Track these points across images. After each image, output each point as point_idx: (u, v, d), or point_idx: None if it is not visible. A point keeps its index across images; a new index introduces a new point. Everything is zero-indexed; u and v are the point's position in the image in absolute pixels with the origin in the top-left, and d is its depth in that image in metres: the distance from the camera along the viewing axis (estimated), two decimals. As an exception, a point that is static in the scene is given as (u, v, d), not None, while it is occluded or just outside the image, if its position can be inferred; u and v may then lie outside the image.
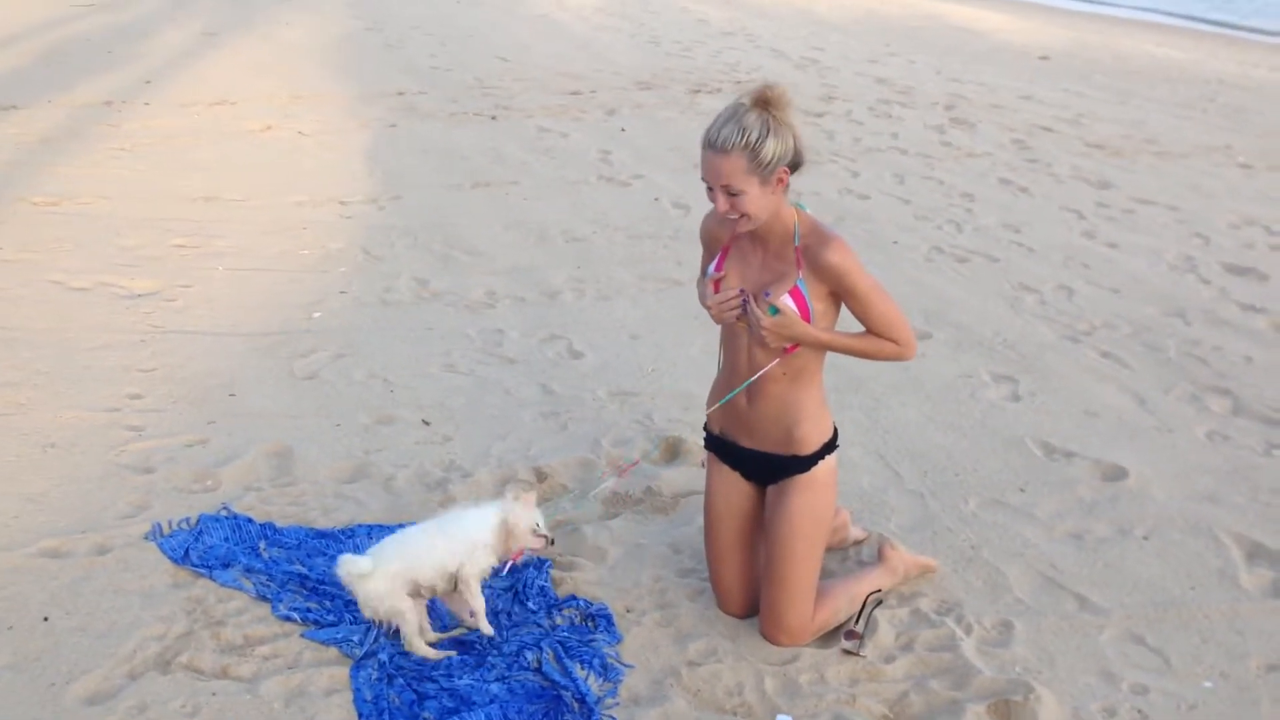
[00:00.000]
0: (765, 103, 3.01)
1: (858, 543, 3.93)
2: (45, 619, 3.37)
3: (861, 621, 3.46)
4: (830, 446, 3.40)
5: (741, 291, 3.23)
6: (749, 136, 2.97)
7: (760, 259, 3.25)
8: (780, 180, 3.05)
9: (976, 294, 6.30)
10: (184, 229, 6.86)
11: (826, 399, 3.44)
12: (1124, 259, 6.90)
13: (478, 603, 3.28)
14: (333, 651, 3.29)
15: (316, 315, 5.75)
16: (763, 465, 3.43)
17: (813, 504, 3.36)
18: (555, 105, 10.65)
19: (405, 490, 4.20)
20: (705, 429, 3.58)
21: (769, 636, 3.40)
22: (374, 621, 3.28)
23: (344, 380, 5.06)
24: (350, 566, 3.19)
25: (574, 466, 4.40)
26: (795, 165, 3.08)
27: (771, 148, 2.99)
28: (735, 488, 3.50)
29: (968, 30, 16.84)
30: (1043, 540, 3.97)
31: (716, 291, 3.28)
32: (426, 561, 3.23)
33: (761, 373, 3.29)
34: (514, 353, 5.42)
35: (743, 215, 3.08)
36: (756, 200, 3.05)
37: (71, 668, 3.18)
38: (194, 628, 3.36)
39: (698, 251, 3.49)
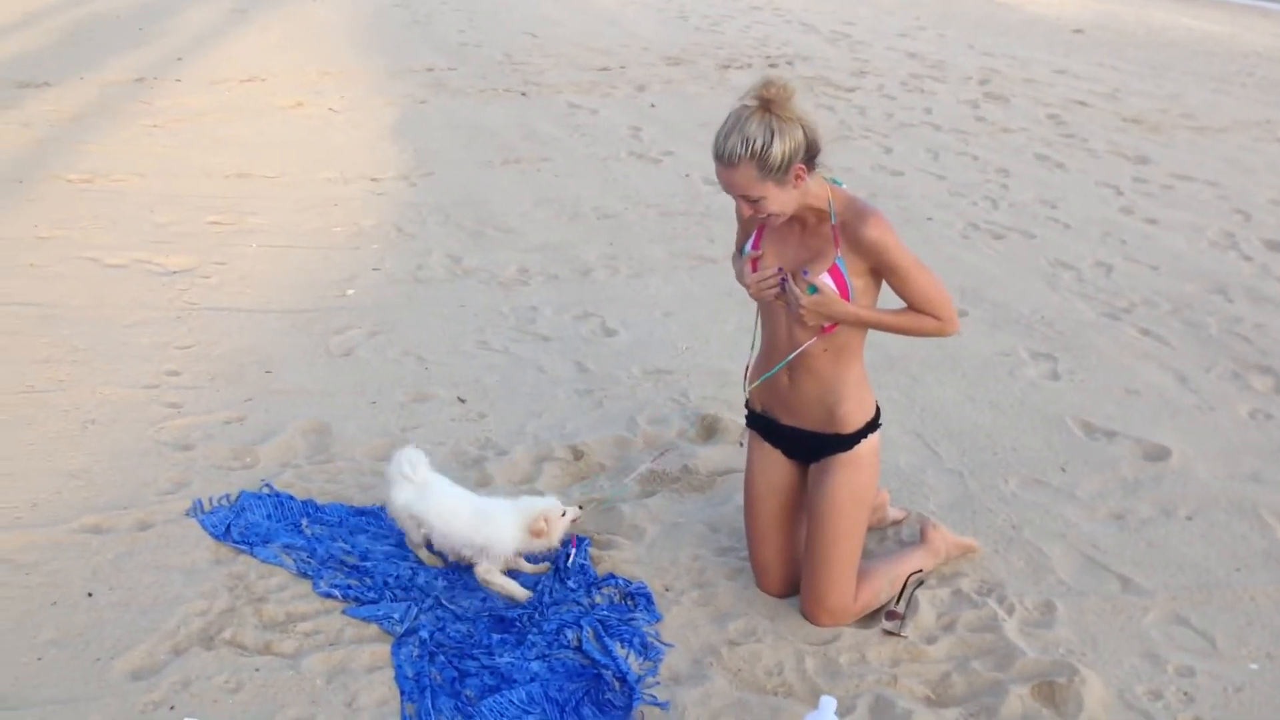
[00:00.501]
0: (766, 104, 2.91)
1: (896, 523, 3.91)
2: (89, 594, 3.39)
3: (902, 602, 3.44)
4: (873, 425, 3.37)
5: (780, 270, 3.20)
6: (754, 145, 2.90)
7: (798, 237, 3.21)
8: (799, 176, 2.99)
9: (1013, 271, 6.24)
10: (217, 206, 6.87)
11: (867, 376, 3.41)
12: (1163, 235, 6.82)
13: (502, 585, 3.46)
14: (373, 629, 3.30)
15: (350, 292, 5.75)
16: (804, 443, 3.40)
17: (854, 482, 3.33)
18: (585, 81, 10.59)
19: (442, 468, 4.15)
20: (746, 406, 3.55)
21: (810, 616, 3.38)
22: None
23: (379, 357, 5.06)
24: (409, 463, 3.51)
25: (610, 445, 4.39)
26: (812, 155, 3.00)
27: (779, 151, 2.91)
28: (776, 466, 3.47)
29: (998, 3, 16.65)
30: (1084, 520, 3.94)
31: (754, 270, 3.25)
32: (451, 527, 3.48)
33: (801, 349, 3.26)
34: (548, 330, 5.41)
35: (769, 215, 3.05)
36: (778, 200, 3.01)
37: (115, 643, 3.19)
38: (236, 604, 3.38)
39: (729, 228, 3.45)
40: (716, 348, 5.23)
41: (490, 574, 3.46)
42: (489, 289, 5.88)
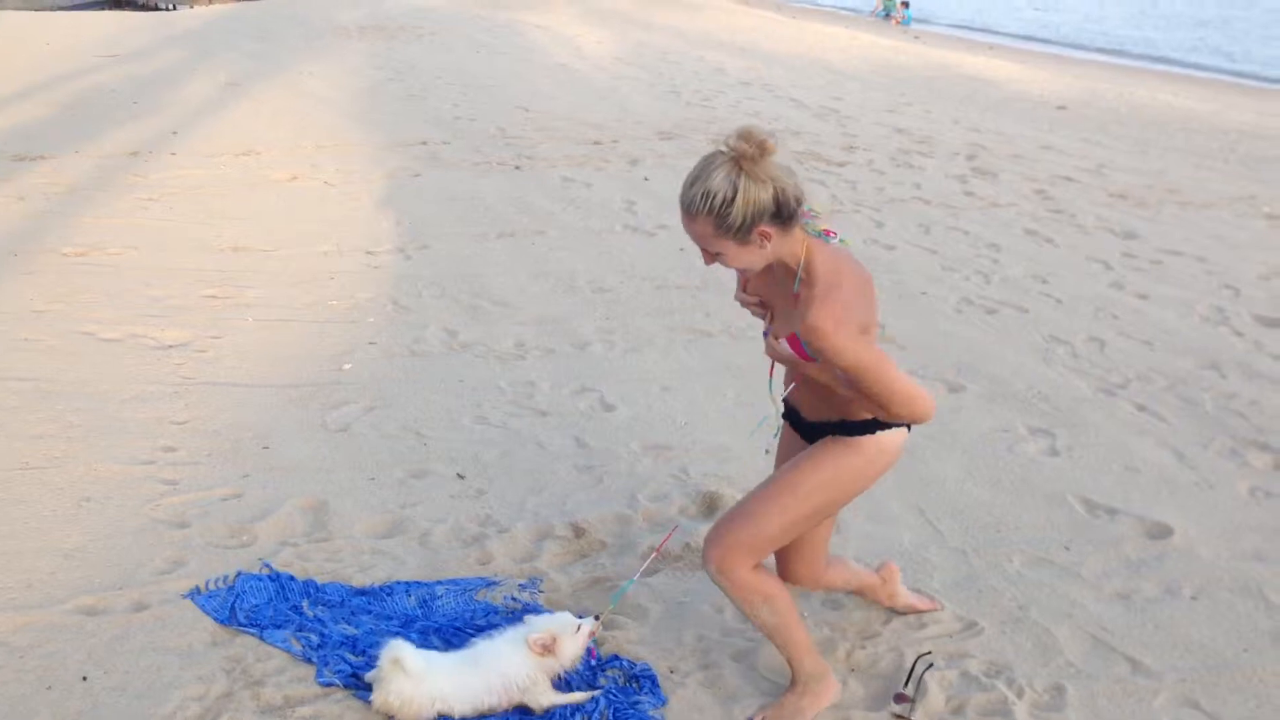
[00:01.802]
0: (738, 158, 2.74)
1: (911, 609, 3.81)
2: (84, 678, 3.33)
3: (911, 684, 3.40)
4: (885, 425, 3.08)
5: (760, 302, 3.11)
6: (713, 201, 2.75)
7: (778, 283, 3.05)
8: (764, 236, 2.80)
9: (1008, 346, 6.27)
10: (213, 279, 6.88)
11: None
12: (1154, 310, 6.87)
13: (565, 700, 3.31)
14: (372, 717, 3.24)
15: (347, 366, 5.74)
16: (821, 433, 3.20)
17: (839, 456, 3.10)
18: (578, 155, 10.69)
19: (442, 546, 4.17)
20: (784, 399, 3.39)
21: (705, 549, 3.18)
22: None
23: (376, 433, 5.04)
24: (399, 656, 3.16)
25: (611, 522, 4.36)
26: (784, 216, 2.81)
27: (740, 210, 2.74)
28: (797, 445, 3.30)
29: (981, 80, 16.92)
30: (1091, 600, 3.91)
31: (744, 288, 3.15)
32: (469, 691, 3.22)
33: (788, 390, 3.24)
34: (546, 405, 5.40)
35: (735, 269, 2.95)
36: (738, 257, 2.86)
37: (112, 729, 3.13)
38: (234, 688, 3.32)
39: (725, 301, 3.42)
40: (715, 423, 5.22)
41: (545, 700, 3.26)
42: (486, 363, 5.87)
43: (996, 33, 27.18)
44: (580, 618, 3.38)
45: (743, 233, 2.79)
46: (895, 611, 3.81)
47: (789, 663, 3.32)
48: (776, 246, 2.86)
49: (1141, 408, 5.51)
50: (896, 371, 2.90)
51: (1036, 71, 18.30)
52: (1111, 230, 8.64)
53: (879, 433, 3.07)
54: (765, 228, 2.80)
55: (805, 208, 2.88)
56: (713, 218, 2.78)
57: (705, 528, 4.28)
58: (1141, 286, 7.32)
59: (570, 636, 3.30)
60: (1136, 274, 7.59)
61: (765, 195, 2.76)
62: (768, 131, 2.77)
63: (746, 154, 2.74)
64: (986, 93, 15.65)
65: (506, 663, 3.26)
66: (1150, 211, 9.24)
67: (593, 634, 3.38)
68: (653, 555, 3.80)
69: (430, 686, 3.15)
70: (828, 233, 2.94)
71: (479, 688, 3.20)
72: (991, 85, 16.40)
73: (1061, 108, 14.47)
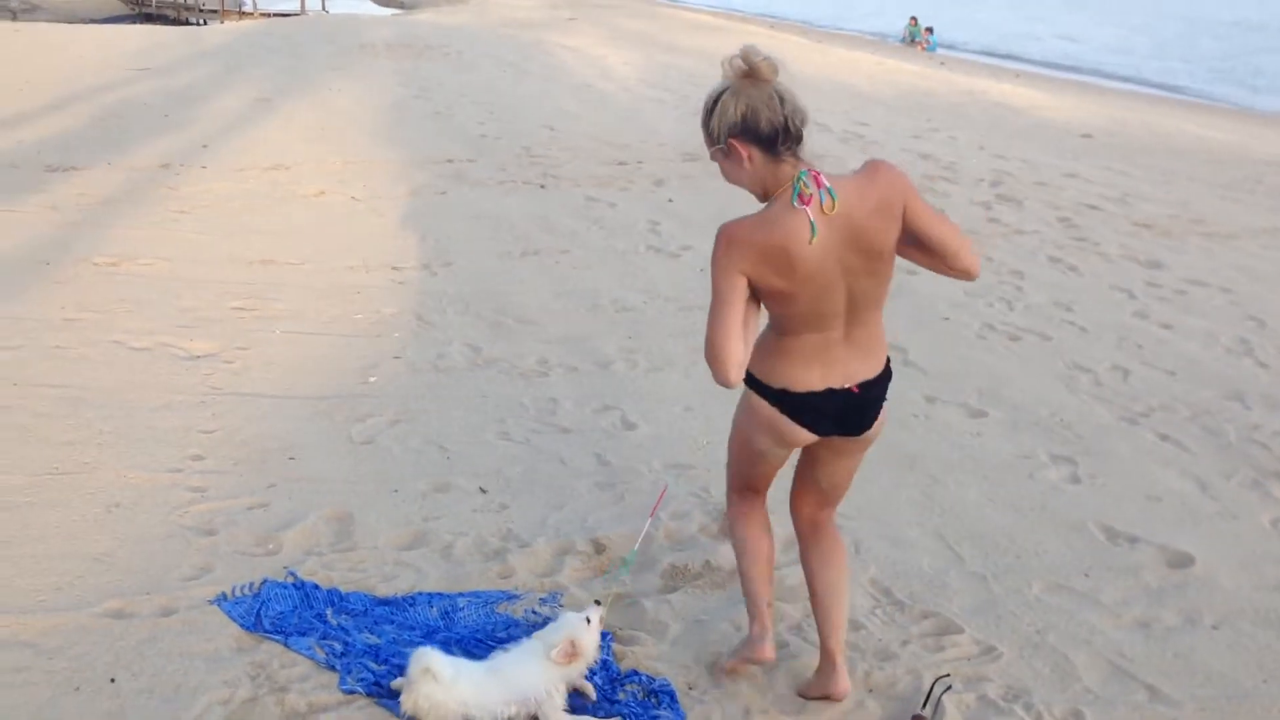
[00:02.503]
0: (737, 72, 2.94)
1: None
2: (112, 680, 3.38)
3: (929, 707, 3.41)
4: (751, 380, 3.24)
5: None
6: (703, 107, 3.02)
7: None
8: (743, 154, 2.96)
9: (1031, 373, 6.28)
10: (241, 291, 6.96)
11: (784, 353, 3.17)
12: (1178, 340, 6.87)
13: None
14: (396, 722, 3.28)
15: (372, 380, 5.80)
16: None
17: (740, 402, 3.39)
18: (603, 175, 10.77)
19: (464, 559, 4.21)
20: None
21: None
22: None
23: (401, 446, 5.09)
24: (430, 664, 3.20)
25: (631, 539, 4.36)
26: (758, 139, 2.94)
27: (715, 120, 2.97)
28: None
29: (1007, 107, 16.95)
30: (1110, 627, 3.92)
31: None
32: (489, 700, 3.26)
33: None
34: (568, 422, 5.44)
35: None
36: (725, 171, 3.08)
37: (138, 732, 3.18)
38: (258, 693, 3.36)
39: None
40: (737, 443, 5.24)
41: (556, 716, 3.30)
42: (509, 380, 5.92)
43: (1021, 59, 27.22)
44: (582, 612, 3.45)
45: (719, 143, 3.00)
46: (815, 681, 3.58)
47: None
48: (762, 172, 3.01)
49: (1164, 437, 5.51)
50: (725, 324, 2.99)
51: (1062, 99, 18.32)
52: (1136, 259, 8.64)
53: (748, 387, 3.27)
54: (742, 146, 2.97)
55: (795, 149, 2.98)
56: (701, 124, 3.04)
57: (725, 548, 4.31)
58: (1166, 316, 7.32)
59: (585, 631, 3.36)
60: (1161, 303, 7.59)
61: (735, 112, 2.94)
62: (765, 55, 2.94)
63: (739, 71, 2.94)
64: (1011, 120, 15.67)
65: (525, 674, 3.31)
66: (1175, 241, 9.24)
67: (602, 619, 3.44)
68: (649, 519, 3.90)
69: (458, 693, 3.20)
70: (804, 200, 2.97)
71: (500, 699, 3.24)
72: (1016, 112, 16.42)
73: (1086, 136, 14.48)
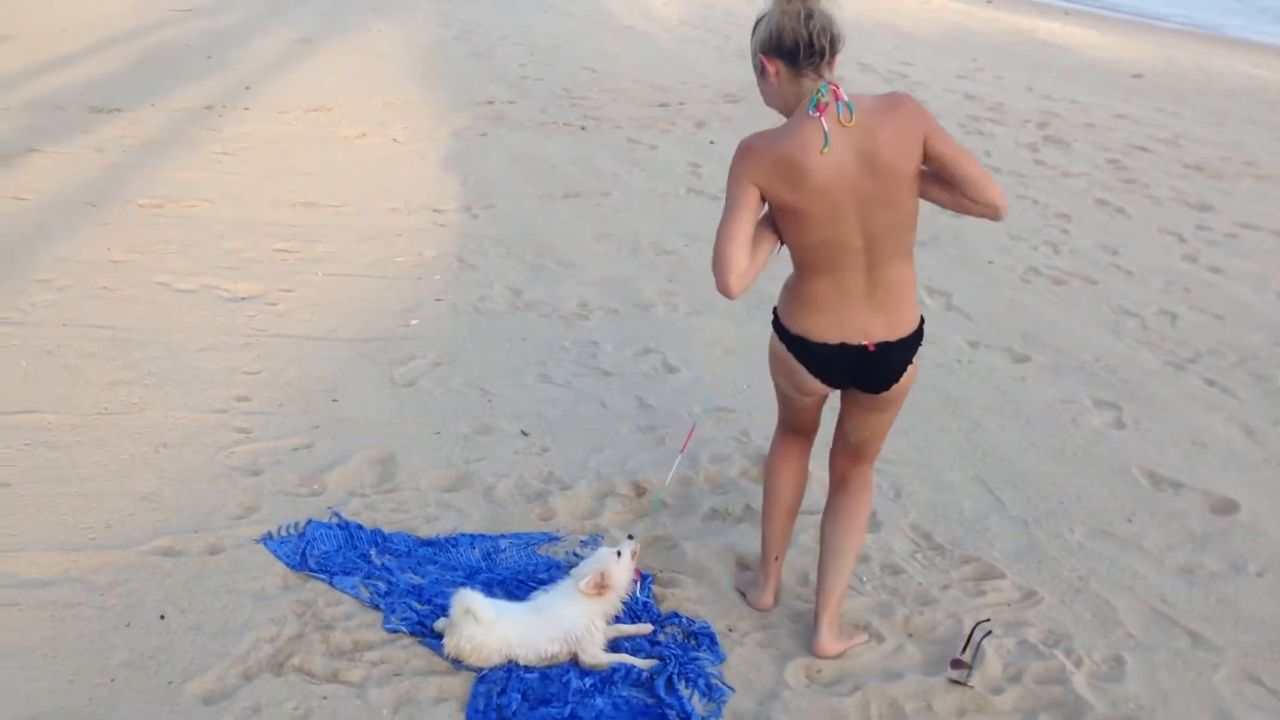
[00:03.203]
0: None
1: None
2: (161, 617, 3.45)
3: (969, 650, 3.42)
4: (775, 320, 3.36)
5: None
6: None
7: None
8: (768, 67, 3.05)
9: (1076, 317, 6.20)
10: (284, 233, 6.99)
11: (802, 299, 3.22)
12: (1228, 284, 6.75)
13: (613, 659, 3.36)
14: (439, 661, 3.32)
15: (414, 322, 5.82)
16: None
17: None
18: (644, 117, 10.67)
19: (505, 501, 4.24)
20: None
21: None
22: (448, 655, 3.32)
23: (442, 388, 5.12)
24: (471, 605, 3.25)
25: (673, 483, 4.40)
26: (779, 49, 3.02)
27: (752, 40, 3.08)
28: None
29: (1056, 46, 16.58)
30: (1152, 573, 3.90)
31: None
32: (532, 640, 3.32)
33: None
34: (609, 365, 5.44)
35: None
36: (762, 89, 3.14)
37: (187, 666, 3.25)
38: (304, 630, 3.42)
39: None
40: (777, 387, 5.23)
41: (595, 659, 3.32)
42: (550, 322, 5.92)
43: (1072, -2, 26.59)
44: (615, 547, 3.49)
45: (755, 60, 3.09)
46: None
47: None
48: (786, 88, 3.07)
49: (1211, 382, 5.43)
50: (730, 229, 3.06)
51: (1112, 38, 17.88)
52: (1186, 202, 8.47)
53: (774, 329, 3.36)
54: (769, 62, 3.04)
55: (818, 65, 3.01)
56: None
57: (765, 490, 4.31)
58: (1215, 260, 7.19)
59: (615, 564, 3.39)
60: (1210, 247, 7.45)
61: (766, 29, 3.04)
62: None
63: None
64: (1060, 59, 15.34)
65: (564, 613, 3.35)
66: (1226, 184, 9.05)
67: (634, 553, 3.46)
68: (679, 457, 3.95)
69: (499, 634, 3.25)
70: (820, 109, 3.00)
71: (543, 637, 3.29)
72: (1065, 51, 16.07)
73: (1137, 76, 14.16)
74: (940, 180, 3.13)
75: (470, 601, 3.25)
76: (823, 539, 3.52)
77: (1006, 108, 11.68)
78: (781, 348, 3.30)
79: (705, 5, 18.22)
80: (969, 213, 3.19)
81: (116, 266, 6.27)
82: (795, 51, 3.00)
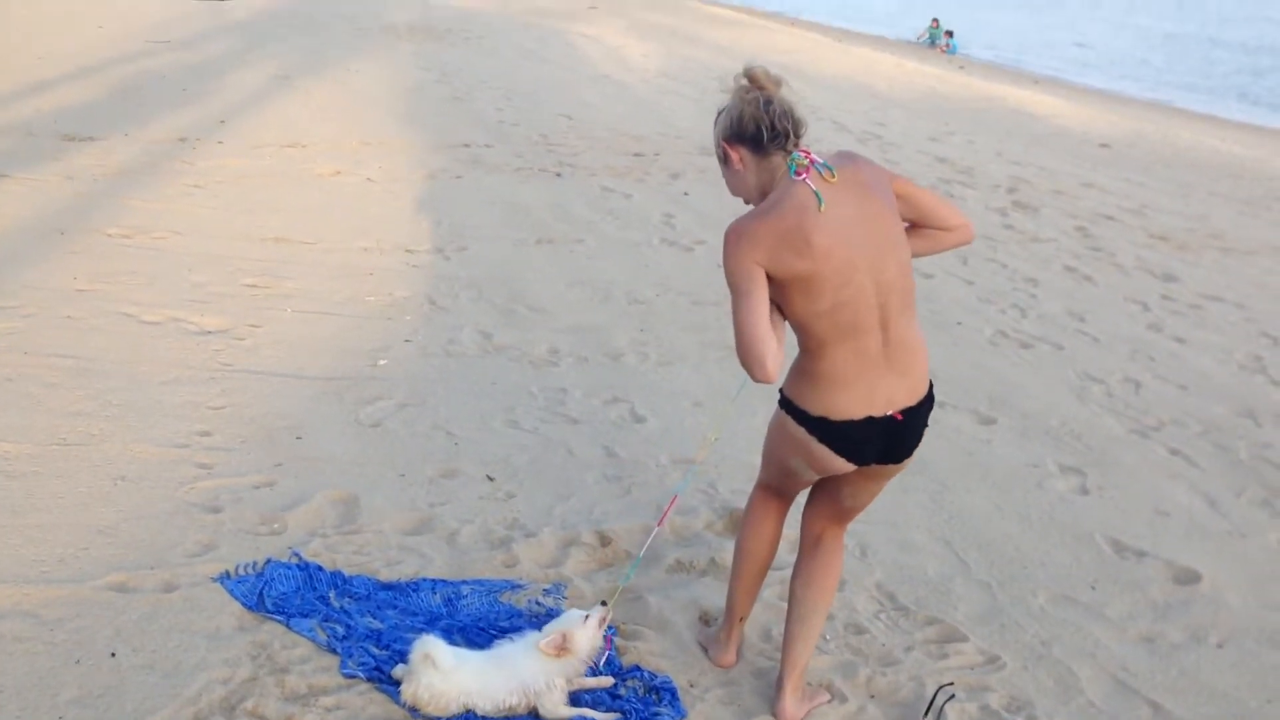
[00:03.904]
0: (741, 88, 3.08)
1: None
2: (112, 654, 3.37)
3: (931, 714, 3.39)
4: (788, 405, 3.18)
5: None
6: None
7: None
8: (734, 156, 3.08)
9: (1042, 381, 6.25)
10: (254, 269, 6.94)
11: (820, 377, 3.08)
12: (1191, 355, 6.83)
13: (573, 713, 3.31)
14: (395, 709, 3.26)
15: (382, 362, 5.78)
16: None
17: (773, 419, 3.32)
18: (619, 166, 10.73)
19: (469, 546, 4.19)
20: None
21: None
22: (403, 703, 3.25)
23: (408, 430, 5.07)
24: (431, 652, 3.19)
25: (637, 533, 4.37)
26: (740, 135, 3.05)
27: (714, 131, 3.14)
28: None
29: (1026, 113, 16.88)
30: (1114, 641, 3.90)
31: None
32: (490, 689, 3.26)
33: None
34: (577, 413, 5.42)
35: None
36: (728, 178, 3.17)
37: (137, 706, 3.17)
38: (259, 673, 3.35)
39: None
40: (745, 441, 5.21)
41: (554, 714, 3.27)
42: (519, 367, 5.90)
43: (1040, 67, 27.09)
44: (585, 610, 3.43)
45: (718, 151, 3.13)
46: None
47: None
48: (754, 171, 3.09)
49: (1175, 452, 5.48)
50: (753, 317, 2.94)
51: (1081, 108, 18.22)
52: (1151, 272, 8.60)
53: (781, 408, 3.23)
54: (732, 149, 3.08)
55: (784, 146, 3.03)
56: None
57: (731, 544, 4.28)
58: (1179, 330, 7.29)
59: (581, 629, 3.32)
60: (1175, 317, 7.56)
61: (727, 118, 3.09)
62: (764, 68, 3.08)
63: (740, 84, 3.09)
64: (1030, 126, 15.61)
65: (524, 666, 3.29)
66: (1192, 255, 9.20)
67: (603, 620, 3.38)
68: (656, 528, 3.84)
69: (458, 682, 3.19)
70: (801, 172, 3.01)
71: (502, 689, 3.23)
72: (1035, 119, 16.35)
73: (1105, 146, 14.42)
74: (911, 224, 3.20)
75: (430, 648, 3.20)
76: (793, 601, 3.43)
77: (977, 171, 11.85)
78: (801, 432, 3.13)
79: (683, 58, 18.44)
80: (945, 246, 3.27)
81: (83, 295, 6.20)
82: (758, 136, 3.03)
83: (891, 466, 3.21)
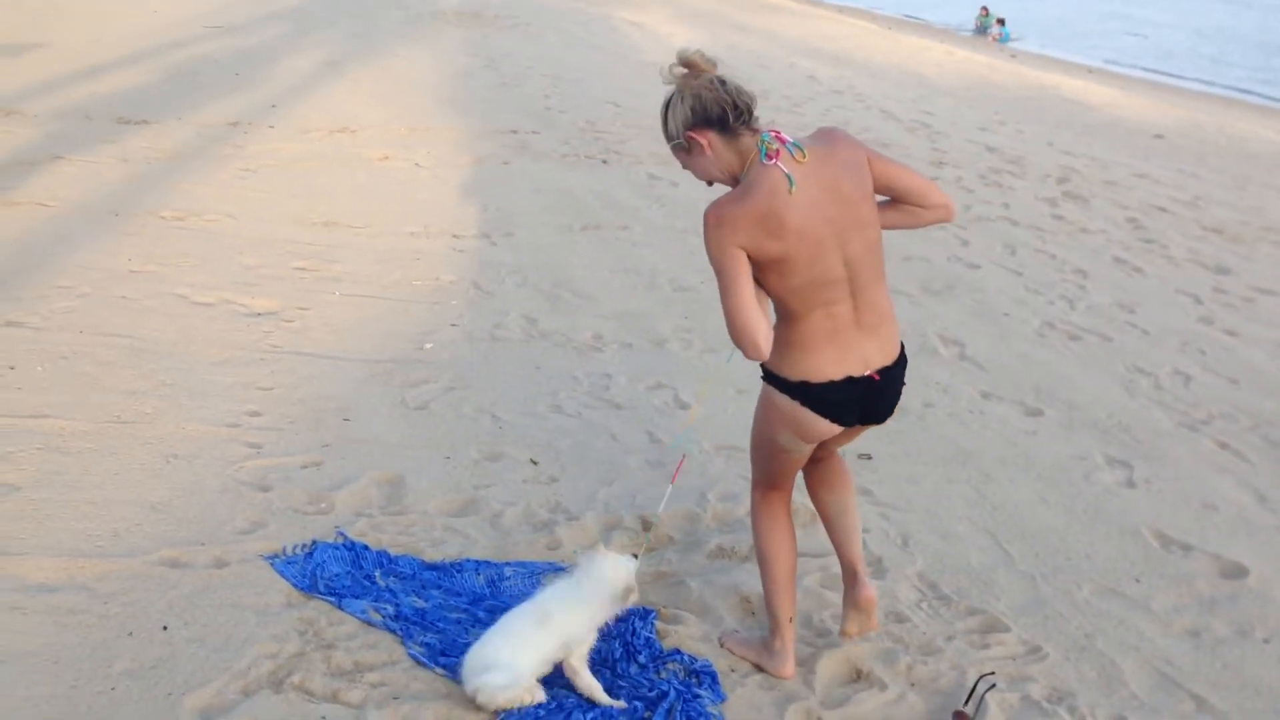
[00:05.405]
0: (680, 74, 3.12)
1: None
2: (164, 628, 3.44)
3: (971, 703, 3.39)
4: (772, 377, 3.28)
5: None
6: (660, 118, 3.18)
7: None
8: (702, 142, 3.11)
9: (1090, 373, 6.20)
10: (303, 252, 7.02)
11: (796, 344, 3.19)
12: (1243, 348, 6.74)
13: (591, 690, 3.30)
14: (440, 684, 3.31)
15: (428, 346, 5.84)
16: None
17: (760, 397, 3.40)
18: (665, 153, 10.63)
19: (512, 529, 4.24)
20: None
21: None
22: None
23: (454, 413, 5.12)
24: (480, 674, 3.21)
25: (679, 518, 4.40)
26: (706, 119, 3.09)
27: (671, 122, 3.14)
28: None
29: (1079, 103, 16.66)
30: (1159, 635, 3.87)
31: None
32: (535, 659, 3.26)
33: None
34: (621, 398, 5.45)
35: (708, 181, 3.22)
36: (695, 166, 3.19)
37: (188, 679, 3.24)
38: (306, 649, 3.41)
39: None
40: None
41: (582, 668, 3.30)
42: (564, 353, 5.94)
43: (1093, 56, 26.74)
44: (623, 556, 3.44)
45: (680, 141, 3.15)
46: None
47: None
48: (724, 154, 3.13)
49: (1224, 445, 5.42)
50: (741, 300, 3.06)
51: (1135, 97, 17.96)
52: (1203, 264, 8.48)
53: (765, 382, 3.32)
54: (699, 135, 3.11)
55: (748, 122, 3.11)
56: (663, 136, 3.21)
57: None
58: (1231, 323, 7.19)
59: (626, 571, 3.33)
60: (1227, 310, 7.45)
61: (685, 106, 3.10)
62: (697, 50, 3.13)
63: (678, 72, 3.12)
64: (1082, 116, 15.41)
65: (570, 619, 3.28)
66: (1245, 248, 9.05)
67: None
68: (670, 487, 3.85)
69: (524, 666, 3.21)
70: (772, 155, 3.08)
71: (551, 648, 3.26)
72: (1088, 109, 16.14)
73: (1159, 136, 14.21)
74: (890, 203, 3.28)
75: (485, 656, 3.22)
76: (826, 509, 3.62)
77: (1027, 161, 11.72)
78: (784, 399, 3.25)
79: (729, 45, 18.36)
80: (924, 223, 3.34)
81: (136, 276, 6.31)
82: (724, 117, 3.09)
83: (872, 425, 3.39)
